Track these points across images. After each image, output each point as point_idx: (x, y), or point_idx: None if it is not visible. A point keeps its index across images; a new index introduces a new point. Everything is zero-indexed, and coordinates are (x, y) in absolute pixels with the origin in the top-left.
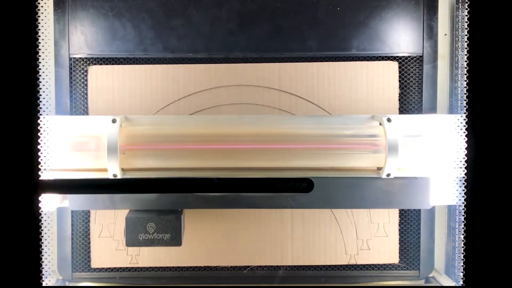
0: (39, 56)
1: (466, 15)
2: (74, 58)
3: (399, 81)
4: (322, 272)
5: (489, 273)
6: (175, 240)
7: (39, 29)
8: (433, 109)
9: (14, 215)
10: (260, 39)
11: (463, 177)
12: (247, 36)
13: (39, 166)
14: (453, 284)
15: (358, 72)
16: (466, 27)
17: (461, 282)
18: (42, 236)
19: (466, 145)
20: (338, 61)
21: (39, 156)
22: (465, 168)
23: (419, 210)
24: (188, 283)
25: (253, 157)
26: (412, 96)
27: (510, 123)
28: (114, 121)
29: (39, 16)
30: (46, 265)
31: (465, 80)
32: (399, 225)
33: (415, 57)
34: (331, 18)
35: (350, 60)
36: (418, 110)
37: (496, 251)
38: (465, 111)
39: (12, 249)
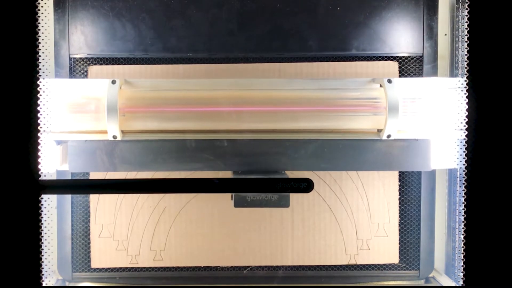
0: (39, 56)
1: (466, 15)
2: (74, 58)
3: None
4: (322, 272)
5: (489, 273)
6: (283, 201)
7: (39, 29)
8: None
9: (14, 215)
10: (260, 39)
11: (464, 139)
12: (247, 36)
13: (39, 132)
14: (453, 284)
15: (358, 72)
16: (466, 27)
17: (461, 282)
18: (42, 236)
19: (466, 107)
20: (338, 61)
21: (38, 120)
22: (466, 130)
23: (419, 209)
24: (188, 283)
25: (253, 119)
26: None
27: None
28: (113, 82)
29: (39, 16)
30: (46, 265)
31: (465, 80)
32: (399, 225)
33: (415, 57)
34: (331, 18)
35: (350, 60)
36: None
37: (496, 251)
38: (466, 74)
39: (12, 249)
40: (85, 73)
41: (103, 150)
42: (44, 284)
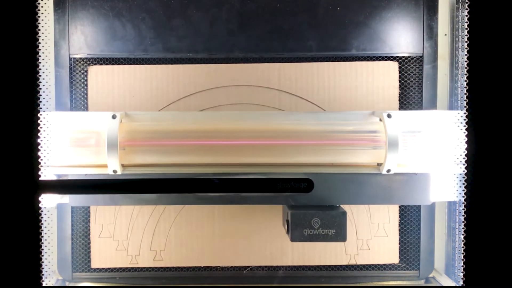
0: (39, 56)
1: (466, 15)
2: (74, 58)
3: (399, 81)
4: (322, 272)
5: (489, 273)
6: (340, 236)
7: (39, 29)
8: (433, 108)
9: (14, 215)
10: (260, 39)
11: (463, 173)
12: (247, 36)
13: (39, 164)
14: (453, 284)
15: (358, 72)
16: (466, 27)
17: (461, 282)
18: (42, 236)
19: (466, 141)
20: (338, 61)
21: (39, 154)
22: (465, 163)
23: (419, 209)
24: (188, 283)
25: (253, 153)
26: (412, 96)
27: (510, 119)
28: (114, 117)
29: (39, 16)
30: (46, 265)
31: (465, 80)
32: (399, 225)
33: (415, 57)
34: (331, 18)
35: (350, 60)
36: (418, 109)
37: (496, 251)
38: (465, 106)
39: (12, 249)
40: (85, 73)
41: None
42: (44, 284)
